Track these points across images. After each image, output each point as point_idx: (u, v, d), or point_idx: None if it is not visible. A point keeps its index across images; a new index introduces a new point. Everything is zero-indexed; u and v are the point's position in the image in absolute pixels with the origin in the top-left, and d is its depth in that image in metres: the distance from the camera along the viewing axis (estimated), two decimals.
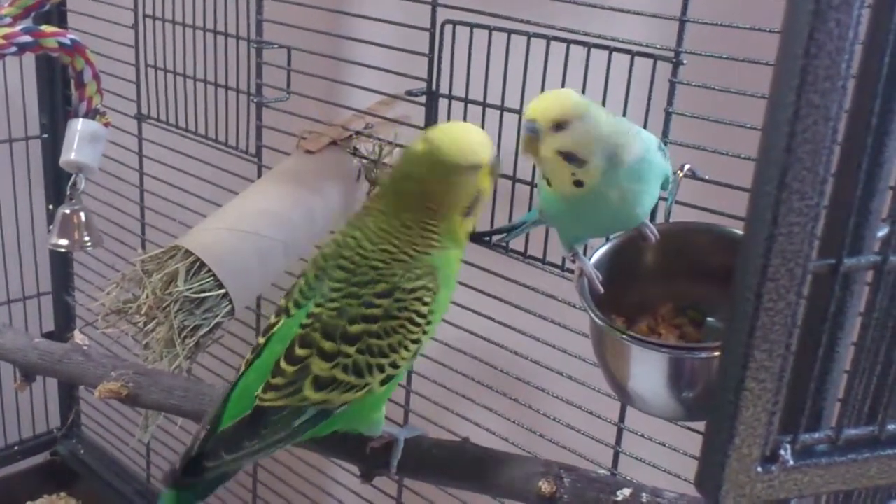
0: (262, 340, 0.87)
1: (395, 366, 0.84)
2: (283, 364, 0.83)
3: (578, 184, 0.86)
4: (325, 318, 0.82)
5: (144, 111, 1.65)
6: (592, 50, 1.04)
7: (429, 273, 0.84)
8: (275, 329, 0.86)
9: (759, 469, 0.45)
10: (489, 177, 0.86)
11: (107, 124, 1.22)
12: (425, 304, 0.83)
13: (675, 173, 0.94)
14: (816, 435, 0.47)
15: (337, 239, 0.87)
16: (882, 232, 0.45)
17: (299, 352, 0.82)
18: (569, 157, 0.85)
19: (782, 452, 0.45)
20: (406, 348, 0.83)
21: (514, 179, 1.16)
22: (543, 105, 0.86)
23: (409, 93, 1.21)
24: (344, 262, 0.84)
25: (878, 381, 0.48)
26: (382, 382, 0.84)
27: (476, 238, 1.17)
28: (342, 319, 0.82)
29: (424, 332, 0.84)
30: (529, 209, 1.13)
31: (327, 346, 0.82)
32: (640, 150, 0.87)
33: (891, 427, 0.47)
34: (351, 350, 0.82)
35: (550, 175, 0.88)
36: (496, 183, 1.13)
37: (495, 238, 1.16)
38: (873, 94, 0.42)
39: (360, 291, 0.82)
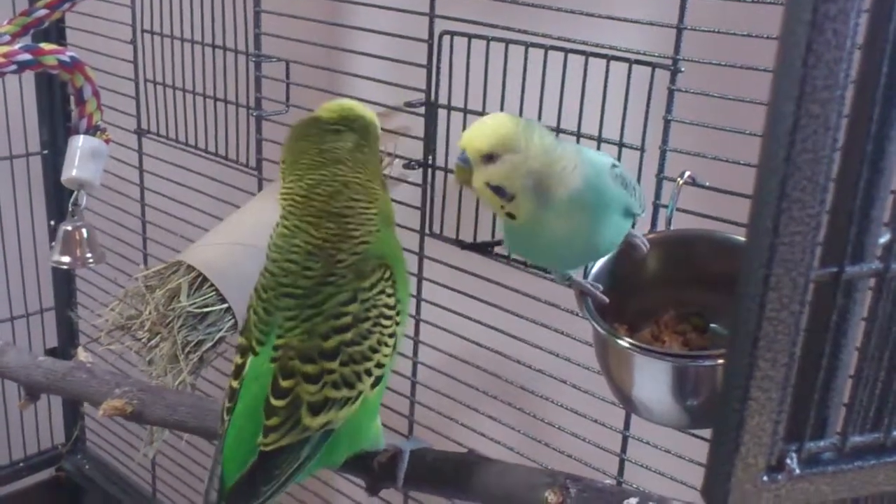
0: (234, 384, 0.85)
1: (380, 365, 0.83)
2: (273, 401, 0.81)
3: (510, 216, 0.84)
4: (297, 344, 0.81)
5: (144, 126, 1.65)
6: (590, 59, 1.04)
7: (379, 264, 0.83)
8: (245, 370, 0.85)
9: (766, 478, 0.45)
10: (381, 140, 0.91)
11: (107, 140, 1.22)
12: (390, 295, 0.83)
13: (675, 181, 0.94)
14: (822, 443, 0.46)
15: (269, 268, 0.85)
16: (884, 238, 0.45)
17: (284, 384, 0.81)
18: (497, 190, 0.82)
19: (788, 461, 0.45)
20: (385, 344, 0.83)
21: None
22: (475, 135, 0.83)
23: (408, 104, 1.21)
24: (288, 290, 0.83)
25: (883, 387, 0.48)
26: (373, 385, 0.84)
27: (478, 248, 1.17)
28: (315, 339, 0.81)
29: (397, 323, 0.84)
30: None
31: (310, 368, 0.81)
32: (578, 181, 0.83)
33: None
34: (334, 365, 0.81)
35: (486, 204, 0.87)
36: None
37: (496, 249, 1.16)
38: (872, 100, 0.42)
39: (321, 308, 0.82)
